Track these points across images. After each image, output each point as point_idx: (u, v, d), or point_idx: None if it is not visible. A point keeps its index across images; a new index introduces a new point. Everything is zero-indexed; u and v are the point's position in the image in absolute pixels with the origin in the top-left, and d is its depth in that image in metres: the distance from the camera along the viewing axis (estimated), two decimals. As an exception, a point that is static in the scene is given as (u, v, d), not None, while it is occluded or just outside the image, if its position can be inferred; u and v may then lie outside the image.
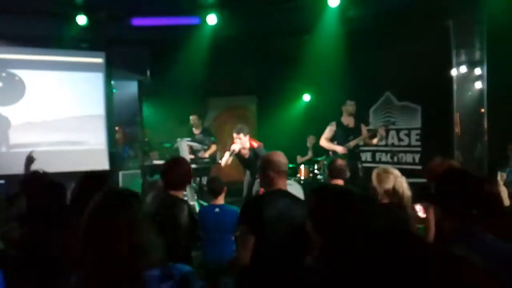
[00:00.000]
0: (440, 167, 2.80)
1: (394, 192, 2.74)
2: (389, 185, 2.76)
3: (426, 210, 2.84)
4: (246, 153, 5.38)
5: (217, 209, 3.81)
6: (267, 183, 2.57)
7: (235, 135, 5.25)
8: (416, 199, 2.88)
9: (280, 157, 2.61)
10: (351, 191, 1.85)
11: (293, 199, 2.55)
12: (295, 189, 6.16)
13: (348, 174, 3.65)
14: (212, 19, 6.85)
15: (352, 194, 1.76)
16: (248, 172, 5.61)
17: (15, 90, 6.66)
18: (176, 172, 2.84)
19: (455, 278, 1.13)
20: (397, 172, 2.82)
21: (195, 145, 6.97)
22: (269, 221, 2.36)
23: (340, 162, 3.58)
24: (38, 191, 2.46)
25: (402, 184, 2.76)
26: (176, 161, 2.97)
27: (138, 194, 1.58)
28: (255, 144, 5.36)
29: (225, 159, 5.39)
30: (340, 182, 3.55)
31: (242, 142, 5.23)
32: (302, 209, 2.30)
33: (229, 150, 5.34)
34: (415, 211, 2.92)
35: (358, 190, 5.36)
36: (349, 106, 5.87)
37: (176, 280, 1.40)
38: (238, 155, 5.40)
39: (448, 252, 1.29)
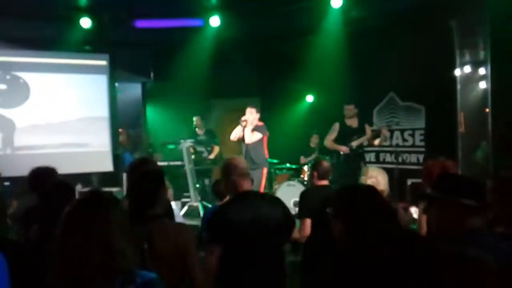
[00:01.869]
0: (434, 168, 2.83)
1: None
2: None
3: (419, 211, 2.87)
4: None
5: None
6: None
7: (249, 109, 5.66)
8: (412, 199, 2.91)
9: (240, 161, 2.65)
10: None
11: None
12: (298, 190, 6.16)
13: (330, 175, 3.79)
14: (215, 21, 6.87)
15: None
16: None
17: (20, 93, 6.70)
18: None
19: (465, 278, 1.13)
20: (372, 173, 2.94)
21: (199, 146, 7.00)
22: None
23: (326, 164, 3.71)
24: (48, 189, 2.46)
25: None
26: (144, 161, 2.97)
27: (117, 198, 1.59)
28: (260, 123, 5.75)
29: (236, 132, 5.68)
30: (325, 183, 3.65)
31: (253, 117, 5.61)
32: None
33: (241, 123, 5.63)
34: (410, 213, 2.96)
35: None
36: (348, 110, 5.88)
37: (137, 285, 1.39)
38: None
39: (458, 253, 1.29)
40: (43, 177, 2.85)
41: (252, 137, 5.60)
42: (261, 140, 5.66)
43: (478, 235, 1.53)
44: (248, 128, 5.63)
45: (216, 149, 7.28)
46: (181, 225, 2.36)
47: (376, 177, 2.91)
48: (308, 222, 3.24)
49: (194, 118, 7.51)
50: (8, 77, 6.68)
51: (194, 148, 6.96)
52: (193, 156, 6.82)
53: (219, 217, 2.44)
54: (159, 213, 2.13)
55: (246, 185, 2.52)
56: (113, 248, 1.38)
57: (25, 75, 6.75)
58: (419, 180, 4.88)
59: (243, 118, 5.61)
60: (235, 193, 2.51)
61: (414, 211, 2.93)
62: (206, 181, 7.04)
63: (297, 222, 3.30)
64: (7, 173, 5.88)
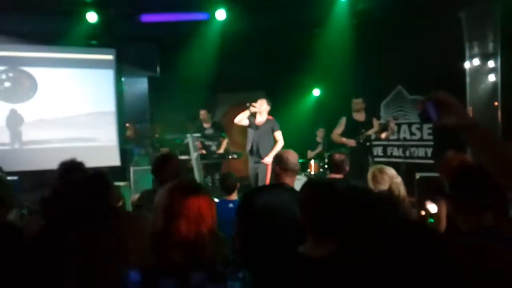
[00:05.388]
0: (453, 162, 2.75)
1: (390, 193, 2.72)
2: (384, 186, 2.74)
3: (437, 205, 2.79)
4: (260, 121, 5.66)
5: (231, 205, 3.82)
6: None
7: (260, 100, 5.66)
8: (428, 194, 2.83)
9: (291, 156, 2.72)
10: (335, 183, 1.90)
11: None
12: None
13: (347, 168, 3.62)
14: (221, 14, 6.84)
15: (336, 186, 1.82)
16: (252, 160, 5.68)
17: (27, 88, 6.73)
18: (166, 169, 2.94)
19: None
20: (392, 172, 2.77)
21: (206, 140, 7.00)
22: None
23: (338, 156, 3.54)
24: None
25: (399, 186, 2.72)
26: (165, 157, 3.13)
27: None
28: (270, 117, 5.71)
29: (242, 116, 5.63)
30: (339, 176, 3.51)
31: (262, 108, 5.61)
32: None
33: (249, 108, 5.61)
34: (426, 207, 2.87)
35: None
36: (355, 104, 5.84)
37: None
38: (251, 120, 5.65)
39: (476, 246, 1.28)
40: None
41: (261, 119, 5.63)
42: (269, 135, 5.63)
43: (495, 231, 1.51)
44: (258, 116, 5.64)
45: (225, 142, 7.27)
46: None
47: (398, 178, 2.77)
48: None
49: (201, 112, 7.50)
50: (15, 72, 6.71)
51: (202, 143, 6.96)
52: (202, 151, 6.81)
53: (247, 200, 2.76)
54: None
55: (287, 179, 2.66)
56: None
57: (32, 70, 6.78)
58: (427, 174, 4.85)
59: (253, 104, 5.60)
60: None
61: (431, 206, 2.83)
62: (216, 175, 7.04)
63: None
64: (16, 167, 5.94)
